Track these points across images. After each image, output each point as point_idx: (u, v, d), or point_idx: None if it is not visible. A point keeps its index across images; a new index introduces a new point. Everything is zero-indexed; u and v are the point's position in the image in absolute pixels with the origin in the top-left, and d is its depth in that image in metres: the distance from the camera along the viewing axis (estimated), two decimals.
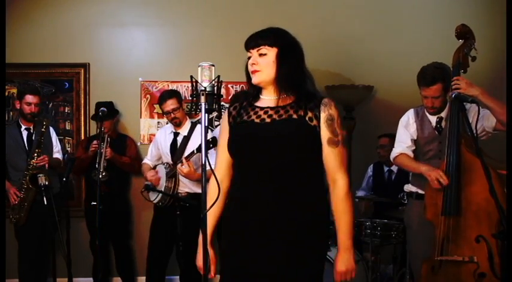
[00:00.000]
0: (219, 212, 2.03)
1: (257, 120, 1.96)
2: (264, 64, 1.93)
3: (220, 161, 2.05)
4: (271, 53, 1.92)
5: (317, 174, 1.96)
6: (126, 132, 4.61)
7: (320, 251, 1.97)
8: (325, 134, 1.91)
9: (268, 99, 1.99)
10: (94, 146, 3.94)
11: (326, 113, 1.91)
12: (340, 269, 1.92)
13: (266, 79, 1.94)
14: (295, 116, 1.92)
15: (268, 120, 1.95)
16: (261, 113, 1.97)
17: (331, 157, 1.92)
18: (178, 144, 3.82)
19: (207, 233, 1.90)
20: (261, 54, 1.93)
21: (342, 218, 1.92)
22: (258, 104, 2.00)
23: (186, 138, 3.79)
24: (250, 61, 1.96)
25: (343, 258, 1.92)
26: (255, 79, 1.95)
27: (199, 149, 3.46)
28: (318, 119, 1.91)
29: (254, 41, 1.95)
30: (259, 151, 1.90)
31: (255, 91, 2.02)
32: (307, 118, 1.91)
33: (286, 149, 1.88)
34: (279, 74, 1.92)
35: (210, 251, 1.99)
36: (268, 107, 1.97)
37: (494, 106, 2.80)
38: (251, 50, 1.96)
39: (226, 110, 2.09)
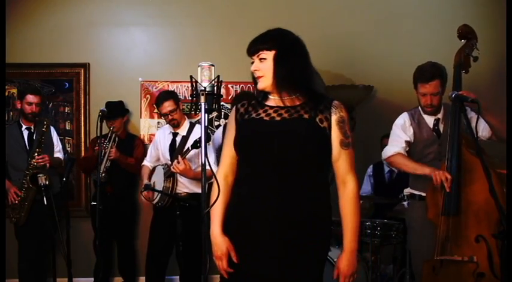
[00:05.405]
0: (225, 204, 2.00)
1: (266, 118, 1.96)
2: (266, 69, 1.92)
3: (225, 156, 2.03)
4: (270, 56, 1.91)
5: (323, 175, 1.95)
6: None
7: (320, 251, 1.96)
8: (337, 135, 1.91)
9: (277, 99, 1.97)
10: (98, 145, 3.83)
11: (337, 115, 1.92)
12: (344, 271, 1.91)
13: (269, 83, 1.94)
14: (306, 116, 1.92)
15: (277, 118, 1.94)
16: (270, 111, 1.97)
17: (343, 159, 1.92)
18: (177, 144, 3.81)
19: (206, 233, 1.90)
20: (261, 59, 1.93)
21: (350, 220, 1.91)
22: (267, 103, 2.00)
23: (185, 139, 3.78)
24: (252, 67, 1.96)
25: (348, 261, 1.91)
26: (260, 85, 1.96)
27: (193, 146, 3.45)
28: (329, 121, 1.91)
29: (254, 47, 1.95)
30: (266, 147, 1.89)
31: (263, 94, 2.01)
32: (317, 119, 1.91)
33: (295, 147, 1.87)
34: (276, 76, 1.91)
35: (224, 239, 1.94)
36: (278, 107, 1.96)
37: (496, 123, 2.85)
38: (253, 56, 1.96)
39: (234, 107, 2.07)
